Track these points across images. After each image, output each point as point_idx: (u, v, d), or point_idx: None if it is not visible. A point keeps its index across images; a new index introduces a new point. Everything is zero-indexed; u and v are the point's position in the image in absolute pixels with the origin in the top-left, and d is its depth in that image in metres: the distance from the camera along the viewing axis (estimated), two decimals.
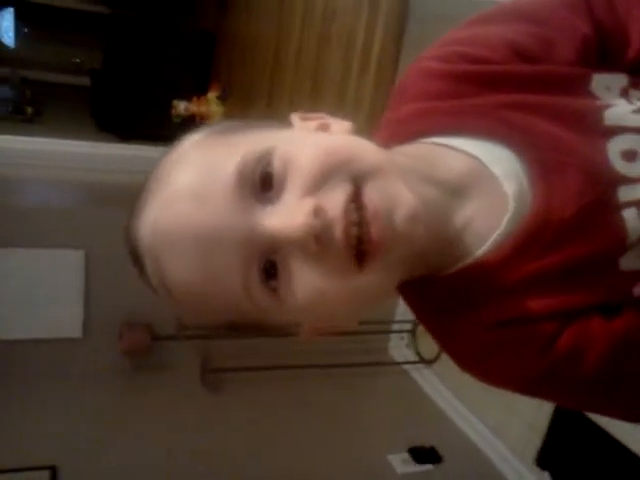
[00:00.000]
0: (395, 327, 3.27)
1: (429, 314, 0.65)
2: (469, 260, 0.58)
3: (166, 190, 0.53)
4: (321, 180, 0.51)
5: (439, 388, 3.01)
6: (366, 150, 0.55)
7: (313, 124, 0.61)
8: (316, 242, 0.49)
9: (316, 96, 3.54)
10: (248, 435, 2.59)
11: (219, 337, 2.79)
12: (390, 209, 0.50)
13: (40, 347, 2.70)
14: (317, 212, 0.49)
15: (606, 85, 0.61)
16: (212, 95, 4.81)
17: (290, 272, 0.51)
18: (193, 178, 0.52)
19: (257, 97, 4.40)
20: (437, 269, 0.60)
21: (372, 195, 0.51)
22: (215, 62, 5.46)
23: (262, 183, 0.52)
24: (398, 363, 3.25)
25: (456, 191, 0.60)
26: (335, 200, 0.50)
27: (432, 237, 0.57)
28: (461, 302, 0.60)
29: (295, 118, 0.61)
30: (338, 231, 0.50)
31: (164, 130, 2.94)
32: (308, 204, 0.49)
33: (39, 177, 2.70)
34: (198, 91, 4.84)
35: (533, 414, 2.44)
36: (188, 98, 4.64)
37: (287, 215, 0.50)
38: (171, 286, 0.54)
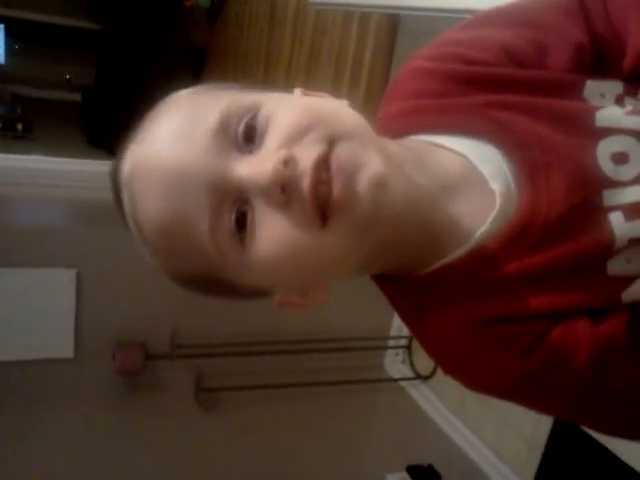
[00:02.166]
0: (390, 343, 3.25)
1: (411, 312, 0.64)
2: (454, 256, 0.58)
3: (151, 129, 0.55)
4: (298, 135, 0.51)
5: (436, 404, 2.98)
6: (349, 116, 0.56)
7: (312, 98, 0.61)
8: (282, 191, 0.49)
9: None
10: (243, 454, 2.56)
11: (213, 355, 2.78)
12: (355, 170, 0.50)
13: (31, 368, 2.66)
14: (287, 162, 0.49)
15: (600, 92, 0.61)
16: None
17: (255, 221, 0.52)
18: (177, 121, 0.54)
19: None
20: (421, 264, 0.59)
21: (340, 154, 0.51)
22: (206, 77, 5.46)
23: (244, 135, 0.53)
24: (394, 380, 3.23)
25: (444, 186, 0.59)
26: (308, 155, 0.50)
27: (416, 225, 0.57)
28: (443, 298, 0.60)
29: (297, 90, 0.62)
30: (305, 183, 0.50)
31: None
32: (280, 153, 0.50)
33: (29, 195, 2.68)
34: None
35: (531, 430, 2.42)
36: None
37: (258, 162, 0.51)
38: (142, 223, 0.54)
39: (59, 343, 2.72)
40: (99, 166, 3.01)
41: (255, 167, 0.50)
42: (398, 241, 0.57)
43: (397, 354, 3.27)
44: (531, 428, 2.42)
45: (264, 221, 0.51)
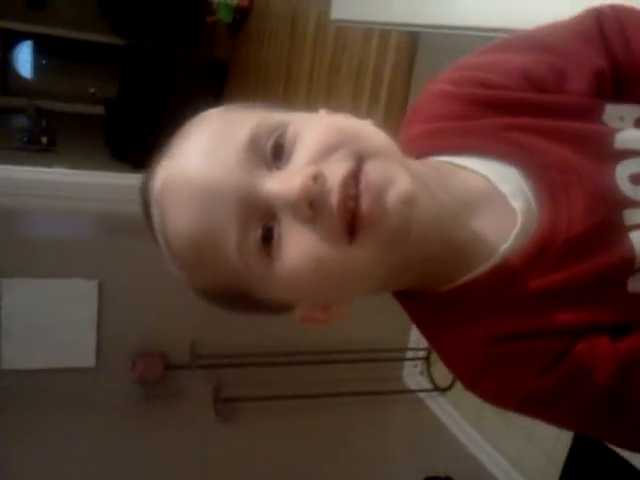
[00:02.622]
0: (409, 354, 3.24)
1: (432, 328, 0.65)
2: (476, 273, 0.59)
3: (182, 146, 0.55)
4: (327, 152, 0.52)
5: (454, 416, 2.97)
6: (374, 134, 0.57)
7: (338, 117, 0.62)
8: (310, 206, 0.50)
9: None
10: (260, 464, 2.57)
11: (233, 366, 2.79)
12: (384, 187, 0.51)
13: (53, 376, 2.69)
14: (316, 178, 0.50)
15: (619, 115, 0.62)
16: None
17: (283, 236, 0.52)
18: (207, 137, 0.55)
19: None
20: (443, 281, 0.60)
21: (369, 171, 0.51)
22: (227, 90, 5.52)
23: (273, 152, 0.53)
24: (412, 391, 3.22)
25: (467, 204, 0.60)
26: (336, 171, 0.51)
27: (441, 242, 0.58)
28: (465, 315, 0.60)
29: (322, 111, 0.63)
30: (334, 199, 0.50)
31: None
32: (308, 170, 0.51)
33: (53, 207, 2.73)
34: None
35: (552, 443, 2.40)
36: None
37: (287, 178, 0.51)
38: (171, 238, 0.55)
39: (81, 352, 2.75)
40: (122, 179, 3.06)
41: (284, 183, 0.51)
42: (422, 257, 0.57)
43: (415, 366, 3.26)
44: (552, 441, 2.40)
45: (291, 235, 0.52)
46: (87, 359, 2.76)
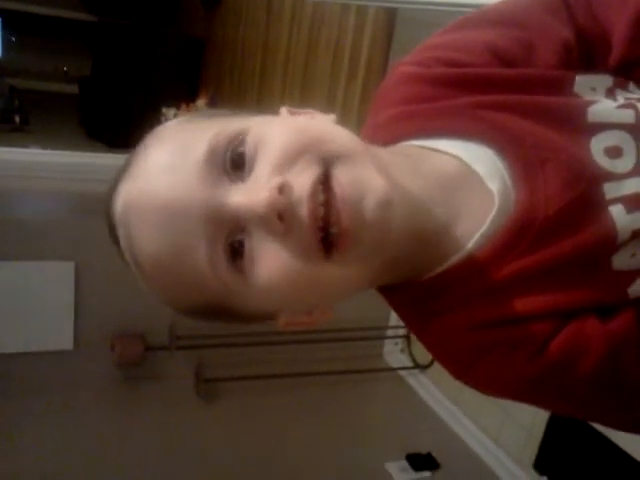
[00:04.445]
0: (389, 332, 3.26)
1: (416, 319, 0.63)
2: (455, 259, 0.57)
3: (142, 163, 0.53)
4: (290, 160, 0.50)
5: (435, 393, 3.00)
6: (339, 134, 0.54)
7: (298, 117, 0.60)
8: (280, 219, 0.48)
9: (305, 101, 3.53)
10: (243, 445, 2.57)
11: (213, 346, 2.78)
12: (359, 195, 0.49)
13: (31, 360, 2.66)
14: (282, 189, 0.48)
15: (591, 86, 0.61)
16: (201, 102, 4.81)
17: (255, 250, 0.51)
18: (167, 152, 0.53)
19: (246, 103, 4.39)
20: (423, 270, 0.59)
21: (341, 179, 0.50)
22: (204, 69, 5.45)
23: (234, 162, 0.51)
24: (393, 369, 3.24)
25: (441, 188, 0.58)
26: (303, 180, 0.49)
27: (416, 234, 0.56)
28: (447, 303, 0.59)
29: (283, 110, 0.61)
30: (304, 210, 0.49)
31: None
32: (274, 181, 0.49)
33: (27, 188, 2.68)
34: (187, 98, 4.83)
35: (530, 418, 2.43)
36: (177, 105, 4.63)
37: (252, 191, 0.50)
38: (140, 260, 0.53)
39: (58, 335, 2.72)
40: (96, 158, 3.01)
41: (250, 196, 0.49)
42: (400, 252, 0.56)
43: (396, 343, 3.28)
44: (530, 417, 2.43)
45: (263, 250, 0.50)
46: (65, 342, 2.73)
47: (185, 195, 0.50)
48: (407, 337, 3.19)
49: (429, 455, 2.64)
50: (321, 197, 0.49)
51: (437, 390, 2.99)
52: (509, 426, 2.57)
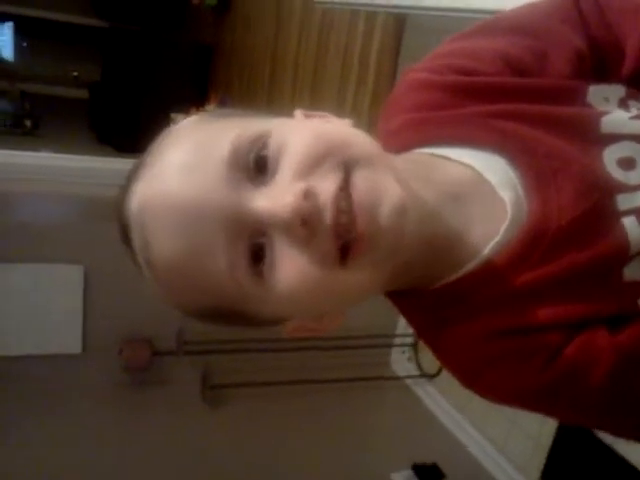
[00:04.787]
0: (396, 341, 3.25)
1: (427, 326, 0.62)
2: (468, 268, 0.57)
3: (158, 163, 0.52)
4: (313, 164, 0.50)
5: (441, 403, 2.98)
6: (359, 138, 0.54)
7: (315, 120, 0.60)
8: (303, 225, 0.48)
9: (314, 106, 3.53)
10: (248, 451, 2.57)
11: (220, 352, 2.78)
12: (375, 201, 0.49)
13: (39, 363, 2.68)
14: (307, 195, 0.48)
15: (604, 96, 0.60)
16: (210, 107, 4.83)
17: (275, 255, 0.50)
18: (186, 152, 0.51)
19: (256, 108, 4.39)
20: (434, 278, 0.58)
21: (359, 184, 0.50)
22: (213, 74, 5.47)
23: (256, 166, 0.51)
24: (400, 378, 3.23)
25: (453, 196, 0.58)
26: (327, 185, 0.49)
27: (428, 240, 0.56)
28: (459, 311, 0.58)
29: (298, 113, 0.60)
30: (328, 217, 0.49)
31: None
32: (299, 186, 0.48)
33: (38, 192, 2.70)
34: (197, 103, 4.85)
35: (537, 427, 2.42)
36: (187, 110, 4.65)
37: (276, 196, 0.49)
38: (155, 262, 0.52)
39: (67, 339, 2.74)
40: (106, 163, 3.03)
41: (274, 201, 0.49)
42: (413, 259, 0.55)
43: (403, 352, 3.27)
44: (537, 427, 2.41)
45: (284, 256, 0.50)
46: (73, 346, 2.74)
47: (206, 196, 0.49)
48: (414, 345, 3.17)
49: (435, 465, 2.62)
50: (344, 204, 0.49)
51: (443, 399, 2.97)
52: (516, 436, 2.55)
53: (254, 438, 2.62)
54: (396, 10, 1.68)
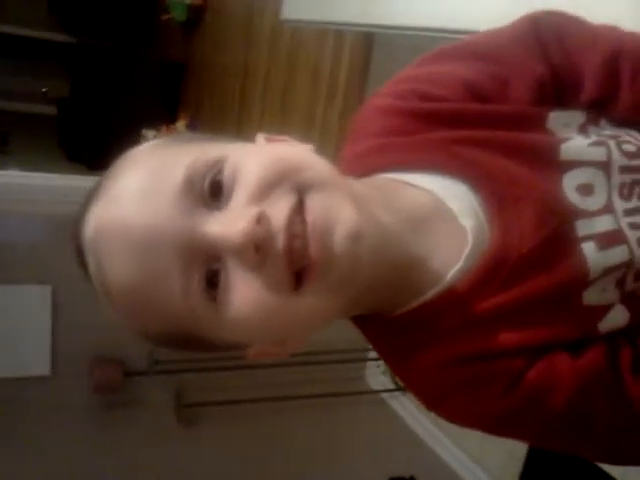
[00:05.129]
0: (371, 355, 3.25)
1: (391, 352, 0.63)
2: (428, 295, 0.57)
3: (115, 186, 0.52)
4: (267, 189, 0.50)
5: (417, 416, 2.99)
6: (315, 162, 0.55)
7: (276, 144, 0.60)
8: (256, 251, 0.48)
9: (284, 124, 3.55)
10: (224, 469, 2.54)
11: (192, 371, 2.75)
12: (329, 226, 0.49)
13: (6, 386, 2.61)
14: (260, 220, 0.48)
15: (564, 122, 0.61)
16: (181, 123, 4.81)
17: (229, 281, 0.50)
18: (140, 177, 0.52)
19: (226, 125, 4.40)
20: (397, 304, 0.59)
21: (312, 207, 0.50)
22: (183, 91, 5.45)
23: (211, 191, 0.51)
24: (375, 391, 3.23)
25: (414, 222, 0.58)
26: (280, 210, 0.49)
27: (389, 266, 0.56)
28: (421, 338, 0.59)
29: (260, 138, 0.61)
30: (280, 242, 0.49)
31: None
32: (251, 211, 0.49)
33: (5, 210, 2.65)
34: (167, 120, 4.83)
35: (512, 441, 2.43)
36: (157, 127, 4.63)
37: (229, 221, 0.49)
38: (110, 286, 0.52)
39: (35, 361, 2.68)
40: (75, 180, 3.00)
41: (227, 226, 0.49)
42: (371, 285, 0.55)
43: (378, 366, 3.27)
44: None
45: (237, 281, 0.50)
46: (42, 367, 2.69)
47: (160, 222, 0.49)
48: None
49: (412, 478, 2.62)
50: (299, 228, 0.49)
51: (419, 412, 2.98)
52: (491, 448, 2.57)
53: (229, 455, 2.60)
54: (360, 28, 1.70)
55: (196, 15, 4.98)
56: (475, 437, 2.64)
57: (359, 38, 2.98)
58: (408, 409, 3.05)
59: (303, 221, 0.49)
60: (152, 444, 2.60)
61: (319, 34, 3.24)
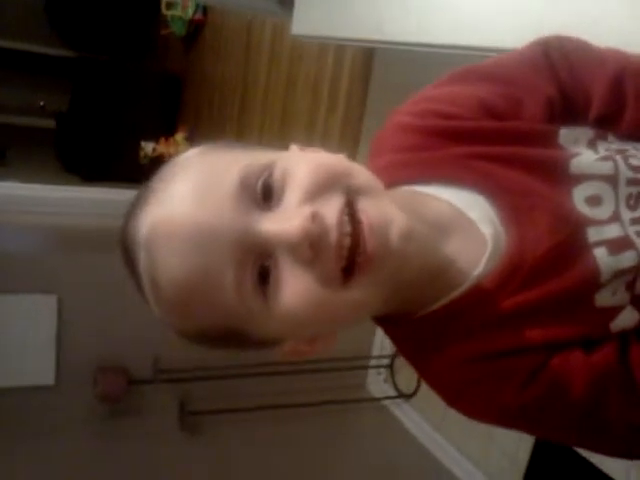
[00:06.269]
0: (372, 362, 3.27)
1: (417, 352, 0.67)
2: (451, 296, 0.61)
3: (169, 189, 0.55)
4: (318, 190, 0.54)
5: (419, 422, 3.00)
6: (361, 170, 0.59)
7: (310, 153, 0.64)
8: (310, 247, 0.51)
9: (284, 137, 3.58)
10: (228, 477, 2.56)
11: (196, 379, 2.77)
12: (385, 225, 0.54)
13: (11, 396, 2.61)
14: (315, 218, 0.52)
15: (574, 138, 0.66)
16: (180, 136, 4.84)
17: (280, 275, 0.53)
18: (196, 180, 0.55)
19: (225, 137, 4.42)
20: (422, 305, 0.63)
21: (367, 209, 0.54)
22: (182, 104, 5.49)
23: (263, 192, 0.54)
24: (377, 399, 3.24)
25: (439, 230, 0.63)
26: (331, 208, 0.53)
27: (420, 268, 0.60)
28: (443, 337, 0.63)
29: (294, 147, 0.64)
30: (332, 239, 0.52)
31: (132, 172, 2.95)
32: (306, 210, 0.52)
33: (7, 222, 2.67)
34: (166, 132, 4.86)
35: (514, 444, 2.45)
36: (156, 139, 4.66)
37: (285, 219, 0.52)
38: (161, 282, 0.55)
39: (40, 370, 2.69)
40: (73, 192, 3.02)
41: (282, 224, 0.52)
42: (404, 285, 0.59)
43: (379, 373, 3.29)
44: (513, 443, 2.45)
45: (289, 277, 0.53)
46: (46, 377, 2.69)
47: (217, 220, 0.52)
48: (390, 366, 3.20)
49: None
50: (348, 227, 0.53)
51: (421, 419, 2.99)
52: (494, 453, 2.58)
53: (233, 464, 2.61)
54: (370, 44, 1.74)
55: (196, 29, 5.03)
56: (477, 442, 2.66)
57: (360, 51, 3.02)
58: (410, 416, 3.06)
59: (352, 221, 0.53)
60: (156, 452, 2.61)
61: (320, 48, 3.27)
